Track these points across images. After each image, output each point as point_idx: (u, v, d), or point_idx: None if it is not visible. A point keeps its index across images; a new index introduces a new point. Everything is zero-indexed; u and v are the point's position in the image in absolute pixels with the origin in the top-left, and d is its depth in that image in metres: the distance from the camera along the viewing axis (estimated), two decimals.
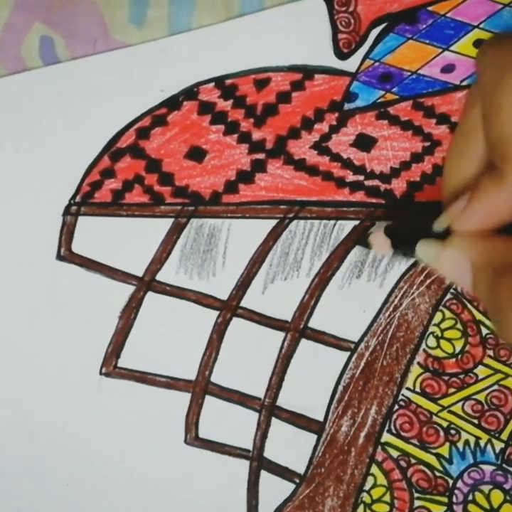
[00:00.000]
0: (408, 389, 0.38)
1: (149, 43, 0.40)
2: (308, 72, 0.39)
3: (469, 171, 0.31)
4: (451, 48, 0.38)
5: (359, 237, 0.37)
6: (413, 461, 0.38)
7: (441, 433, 0.38)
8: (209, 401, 0.39)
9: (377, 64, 0.39)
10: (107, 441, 0.40)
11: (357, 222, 0.39)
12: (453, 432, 0.38)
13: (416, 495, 0.38)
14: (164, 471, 0.39)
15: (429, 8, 0.38)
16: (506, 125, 0.27)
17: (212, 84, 0.40)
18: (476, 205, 0.29)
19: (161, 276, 0.40)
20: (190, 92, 0.40)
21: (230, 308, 0.39)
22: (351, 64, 0.39)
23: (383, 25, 0.39)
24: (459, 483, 0.38)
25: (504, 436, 0.38)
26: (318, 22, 0.39)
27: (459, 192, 0.31)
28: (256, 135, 0.39)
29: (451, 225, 0.31)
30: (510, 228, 0.30)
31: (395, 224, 0.35)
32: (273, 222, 0.39)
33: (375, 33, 0.39)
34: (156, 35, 0.41)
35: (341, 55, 0.39)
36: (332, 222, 0.39)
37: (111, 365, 0.40)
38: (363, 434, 0.38)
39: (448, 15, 0.38)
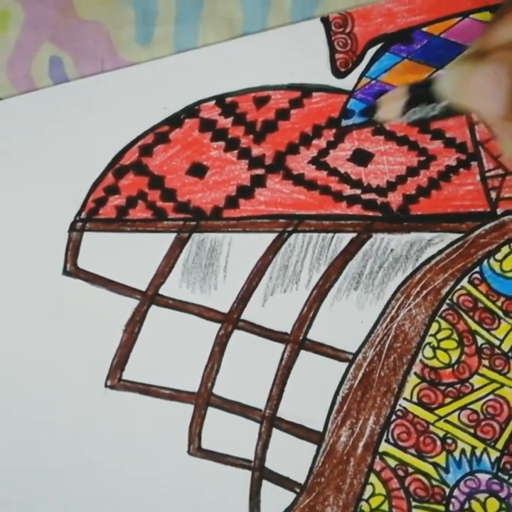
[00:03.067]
0: (405, 399, 0.41)
1: (152, 62, 0.44)
2: (306, 90, 0.43)
3: None
4: (445, 68, 0.42)
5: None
6: (411, 470, 0.41)
7: (438, 442, 0.41)
8: (211, 412, 0.43)
9: (373, 82, 0.42)
10: (112, 452, 0.43)
11: (354, 234, 0.42)
12: (449, 441, 0.41)
13: (413, 503, 0.41)
14: (168, 481, 0.43)
15: (424, 29, 0.42)
16: None
17: (214, 102, 0.44)
18: None
19: (164, 290, 0.43)
20: (191, 110, 0.44)
21: (231, 320, 0.43)
22: (348, 82, 0.42)
23: (379, 45, 0.42)
24: (456, 492, 0.41)
25: (499, 445, 0.41)
26: (316, 42, 0.43)
27: None
28: (256, 151, 0.43)
29: None
30: None
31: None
32: (272, 236, 0.43)
33: (371, 52, 0.42)
34: (162, 53, 0.44)
35: (338, 74, 0.43)
36: (330, 235, 0.42)
37: (116, 378, 0.43)
38: (361, 444, 0.42)
39: (441, 36, 0.42)
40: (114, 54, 0.45)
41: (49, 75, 0.45)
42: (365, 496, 0.41)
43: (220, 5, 0.44)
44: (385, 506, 0.41)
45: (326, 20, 0.42)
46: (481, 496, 0.41)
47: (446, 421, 0.41)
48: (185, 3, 0.44)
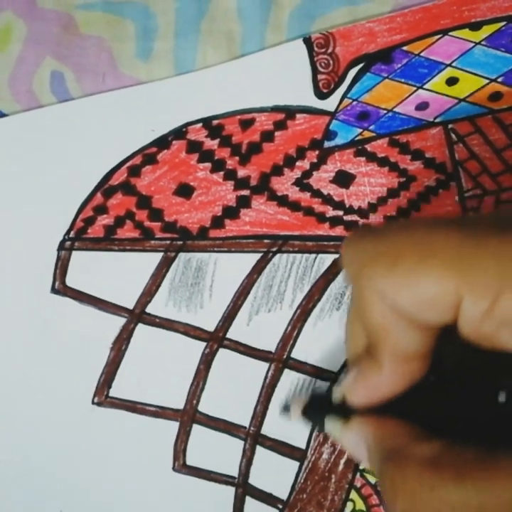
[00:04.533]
0: None
1: (141, 85, 0.46)
2: (290, 112, 0.45)
3: (363, 344, 0.34)
4: (425, 86, 0.44)
5: (284, 404, 0.42)
6: None
7: None
8: (196, 429, 0.45)
9: (355, 103, 0.44)
10: (99, 469, 0.45)
11: (337, 255, 0.44)
12: None
13: None
14: (153, 498, 0.45)
15: (404, 48, 0.44)
16: (372, 321, 0.31)
17: (200, 124, 0.46)
18: (360, 384, 0.33)
19: (151, 309, 0.45)
20: (179, 132, 0.46)
21: (216, 339, 0.45)
22: (331, 103, 0.44)
23: (360, 66, 0.44)
24: None
25: None
26: (298, 64, 0.45)
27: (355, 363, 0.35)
28: (241, 172, 0.45)
29: (345, 398, 0.35)
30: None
31: (312, 394, 0.40)
32: (257, 256, 0.45)
33: (352, 73, 0.44)
34: (162, 68, 0.46)
35: (321, 95, 0.45)
36: (313, 255, 0.44)
37: (103, 395, 0.46)
38: (342, 461, 0.43)
39: (422, 54, 0.44)
40: (115, 69, 0.47)
41: (50, 90, 0.47)
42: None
43: (219, 20, 0.46)
44: None
45: (308, 41, 0.44)
46: None
47: None
48: (185, 19, 0.46)
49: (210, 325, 0.45)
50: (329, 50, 0.44)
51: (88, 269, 0.46)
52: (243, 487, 0.44)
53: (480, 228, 0.28)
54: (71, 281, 0.46)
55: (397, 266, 0.29)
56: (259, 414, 0.44)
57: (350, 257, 0.31)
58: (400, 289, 0.29)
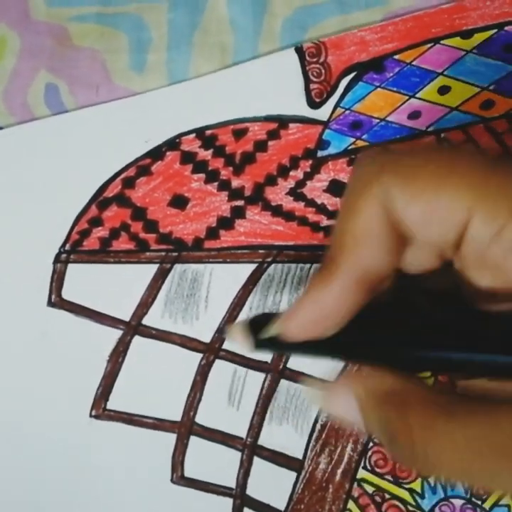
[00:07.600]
0: None
1: (134, 97, 0.49)
2: (283, 121, 0.47)
3: None
4: (417, 95, 0.46)
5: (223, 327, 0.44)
6: (387, 496, 0.45)
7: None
8: (194, 441, 0.47)
9: (347, 112, 0.46)
10: (97, 481, 0.47)
11: None
12: None
13: None
14: (152, 510, 0.47)
15: (396, 57, 0.46)
16: (352, 226, 0.31)
17: (194, 134, 0.48)
18: (302, 303, 0.31)
19: (147, 321, 0.48)
20: (172, 143, 0.48)
21: (213, 350, 0.47)
22: (323, 113, 0.46)
23: (353, 75, 0.46)
24: None
25: None
26: (291, 73, 0.47)
27: None
28: (235, 183, 0.47)
29: (281, 331, 0.32)
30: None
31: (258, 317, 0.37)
32: (252, 267, 0.47)
33: (345, 82, 0.46)
34: (156, 80, 0.49)
35: (314, 105, 0.47)
36: (308, 265, 0.46)
37: (100, 408, 0.48)
38: (339, 471, 0.46)
39: (414, 63, 0.46)
40: (109, 81, 0.49)
41: (45, 103, 0.49)
42: None
43: (212, 32, 0.48)
44: None
45: (299, 50, 0.46)
46: None
47: None
48: (178, 31, 0.48)
49: (206, 336, 0.47)
50: (321, 60, 0.46)
51: (84, 281, 0.48)
52: (241, 498, 0.46)
53: (508, 158, 0.29)
54: (67, 294, 0.48)
55: (416, 177, 0.29)
56: (256, 425, 0.46)
57: (368, 161, 0.31)
58: (412, 201, 0.29)
